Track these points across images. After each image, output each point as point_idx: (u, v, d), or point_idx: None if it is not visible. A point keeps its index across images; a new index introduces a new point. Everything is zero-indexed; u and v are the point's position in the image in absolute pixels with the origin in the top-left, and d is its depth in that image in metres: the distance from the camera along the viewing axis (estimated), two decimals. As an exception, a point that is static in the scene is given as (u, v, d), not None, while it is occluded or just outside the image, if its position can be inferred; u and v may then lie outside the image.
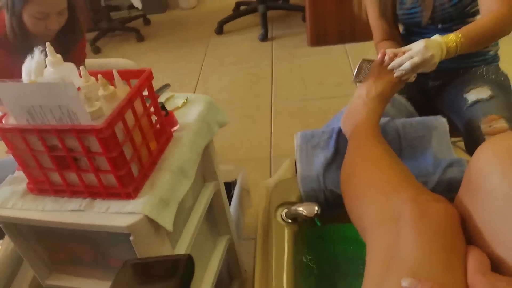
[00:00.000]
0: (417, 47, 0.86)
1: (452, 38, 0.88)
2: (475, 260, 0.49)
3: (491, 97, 1.01)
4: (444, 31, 1.08)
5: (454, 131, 1.03)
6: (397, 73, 0.88)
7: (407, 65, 0.85)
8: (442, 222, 0.53)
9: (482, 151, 0.52)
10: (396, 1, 1.09)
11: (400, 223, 0.55)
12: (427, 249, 0.50)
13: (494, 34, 0.95)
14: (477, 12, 1.03)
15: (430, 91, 1.21)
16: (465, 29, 0.91)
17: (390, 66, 0.88)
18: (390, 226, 0.56)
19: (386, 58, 0.88)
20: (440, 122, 0.94)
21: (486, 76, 1.10)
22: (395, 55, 0.88)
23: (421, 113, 1.11)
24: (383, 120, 0.94)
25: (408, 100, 1.13)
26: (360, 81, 0.94)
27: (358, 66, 0.91)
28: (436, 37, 0.89)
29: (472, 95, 1.04)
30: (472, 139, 0.99)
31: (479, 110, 1.00)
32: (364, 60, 0.91)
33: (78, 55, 1.42)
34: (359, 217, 0.66)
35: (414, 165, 0.87)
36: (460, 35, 0.89)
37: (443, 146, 0.90)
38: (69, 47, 1.34)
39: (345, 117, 0.92)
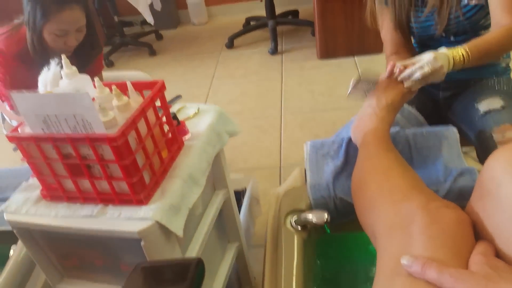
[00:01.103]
0: (427, 58, 0.87)
1: (459, 51, 0.89)
2: (480, 245, 0.50)
3: (503, 107, 1.01)
4: (456, 44, 1.08)
5: (464, 141, 1.02)
6: (407, 84, 0.89)
7: (417, 75, 0.86)
8: (454, 229, 0.53)
9: (495, 158, 0.52)
10: (411, 13, 1.10)
11: (411, 230, 0.55)
12: (438, 256, 0.50)
13: (501, 49, 0.96)
14: (489, 26, 1.03)
15: (440, 102, 1.21)
16: (473, 42, 0.92)
17: (400, 77, 0.89)
18: (401, 233, 0.56)
19: (396, 70, 0.89)
20: (451, 132, 0.93)
21: (498, 87, 1.10)
22: (405, 67, 0.89)
23: (431, 124, 1.10)
24: (393, 129, 0.95)
25: (418, 110, 1.13)
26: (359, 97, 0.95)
27: (353, 83, 0.92)
28: (443, 50, 0.90)
29: (484, 105, 1.04)
30: (484, 149, 0.98)
31: (492, 119, 1.00)
32: (360, 79, 0.92)
33: (95, 68, 1.46)
34: (370, 225, 0.66)
35: (425, 174, 0.87)
36: (467, 49, 0.90)
37: (453, 155, 0.89)
38: (87, 61, 1.38)
39: (355, 126, 0.92)
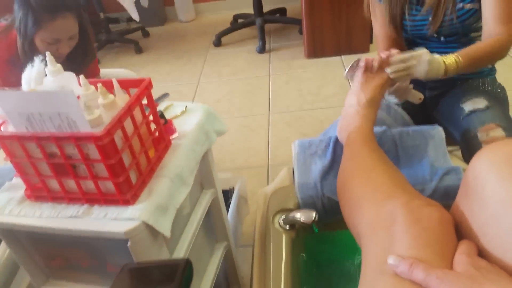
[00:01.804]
0: (419, 52, 0.89)
1: (452, 60, 0.92)
2: (463, 244, 0.50)
3: (487, 107, 1.03)
4: (446, 44, 1.10)
5: (450, 141, 1.04)
6: (390, 69, 0.90)
7: (401, 66, 0.88)
8: (436, 227, 0.54)
9: (479, 157, 0.53)
10: (406, 10, 1.10)
11: (394, 229, 0.55)
12: (422, 255, 0.50)
13: (491, 59, 1.01)
14: (479, 28, 1.06)
15: (426, 101, 1.23)
16: (465, 52, 0.94)
17: (394, 59, 0.89)
18: (385, 232, 0.56)
19: (376, 62, 0.90)
20: (437, 131, 0.95)
21: (483, 87, 1.12)
22: (387, 57, 0.90)
23: (417, 123, 1.12)
24: (380, 129, 0.95)
25: (405, 109, 1.14)
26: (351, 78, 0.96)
27: (351, 65, 0.94)
28: (438, 57, 0.92)
29: (469, 105, 1.06)
30: (469, 148, 1.00)
31: (476, 119, 1.02)
32: (358, 63, 0.94)
33: (91, 74, 1.43)
34: (355, 224, 0.66)
35: (411, 173, 0.88)
36: (460, 58, 0.92)
37: (439, 155, 0.91)
38: (80, 68, 1.35)
39: (339, 126, 0.93)
